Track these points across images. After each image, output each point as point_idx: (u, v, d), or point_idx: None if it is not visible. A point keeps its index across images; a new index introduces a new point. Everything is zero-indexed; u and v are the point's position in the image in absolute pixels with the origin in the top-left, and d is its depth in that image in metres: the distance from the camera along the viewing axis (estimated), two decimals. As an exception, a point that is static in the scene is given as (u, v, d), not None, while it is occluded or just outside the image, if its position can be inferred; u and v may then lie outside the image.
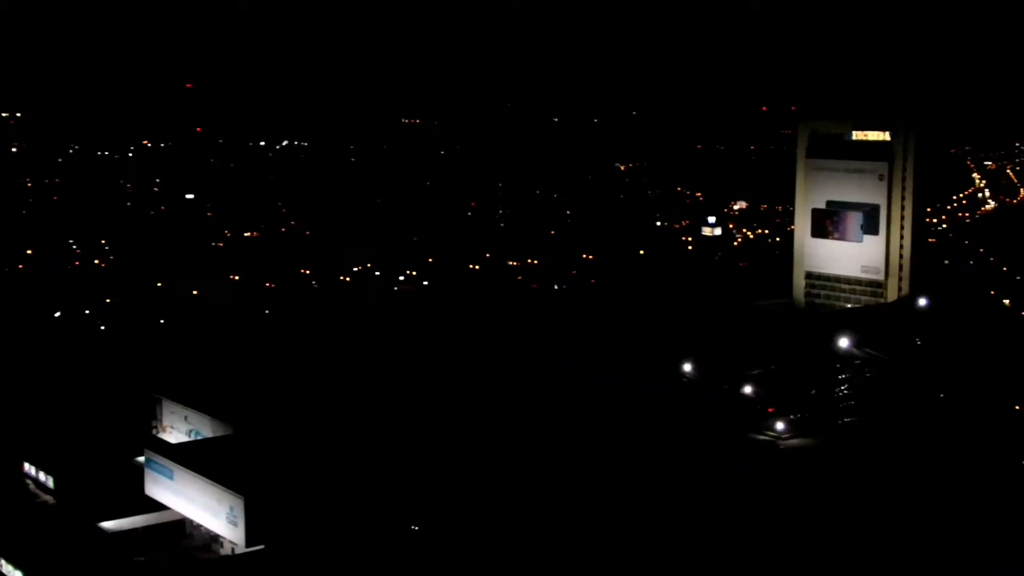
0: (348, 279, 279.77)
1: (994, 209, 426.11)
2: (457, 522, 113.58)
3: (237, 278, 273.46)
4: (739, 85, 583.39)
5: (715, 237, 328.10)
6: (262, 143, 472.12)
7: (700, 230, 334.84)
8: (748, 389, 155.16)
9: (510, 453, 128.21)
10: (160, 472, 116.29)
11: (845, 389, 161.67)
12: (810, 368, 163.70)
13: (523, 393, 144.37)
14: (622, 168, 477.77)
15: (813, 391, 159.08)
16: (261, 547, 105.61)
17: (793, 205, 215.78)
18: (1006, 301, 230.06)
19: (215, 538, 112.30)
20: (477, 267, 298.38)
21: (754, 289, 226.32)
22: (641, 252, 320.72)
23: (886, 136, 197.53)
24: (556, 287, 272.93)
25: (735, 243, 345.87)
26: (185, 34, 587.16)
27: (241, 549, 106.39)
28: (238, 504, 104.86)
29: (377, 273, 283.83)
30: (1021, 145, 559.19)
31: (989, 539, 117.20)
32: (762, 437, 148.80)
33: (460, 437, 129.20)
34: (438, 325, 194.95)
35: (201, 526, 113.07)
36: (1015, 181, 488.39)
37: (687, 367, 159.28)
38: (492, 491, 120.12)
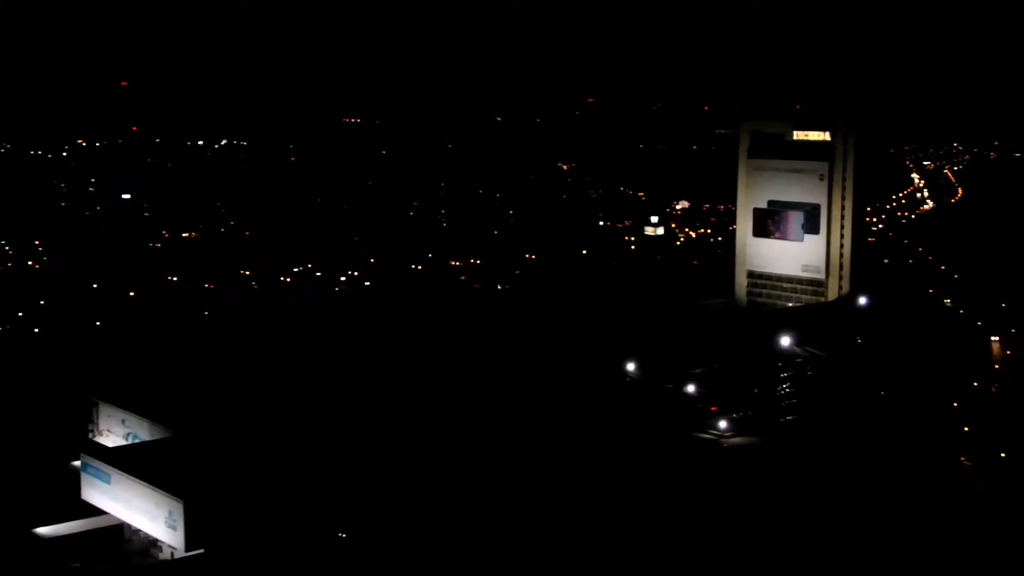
0: (288, 279, 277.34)
1: (932, 209, 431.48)
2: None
3: (176, 279, 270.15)
4: (682, 86, 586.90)
5: (657, 237, 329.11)
6: (200, 142, 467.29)
7: (643, 230, 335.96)
8: (691, 388, 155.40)
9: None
10: (97, 476, 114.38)
11: (787, 387, 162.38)
12: (752, 366, 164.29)
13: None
14: (564, 168, 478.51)
15: (755, 390, 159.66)
16: (201, 551, 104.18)
17: (735, 205, 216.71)
18: (947, 301, 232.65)
19: (154, 543, 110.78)
20: (420, 267, 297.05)
21: (697, 288, 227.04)
22: (584, 252, 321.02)
23: (826, 136, 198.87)
24: (499, 287, 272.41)
25: (677, 243, 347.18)
26: (118, 31, 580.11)
27: (181, 553, 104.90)
28: (177, 508, 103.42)
29: (319, 274, 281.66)
30: (959, 146, 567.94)
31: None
32: (705, 436, 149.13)
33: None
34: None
35: (140, 531, 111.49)
36: (953, 181, 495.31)
37: (630, 367, 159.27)
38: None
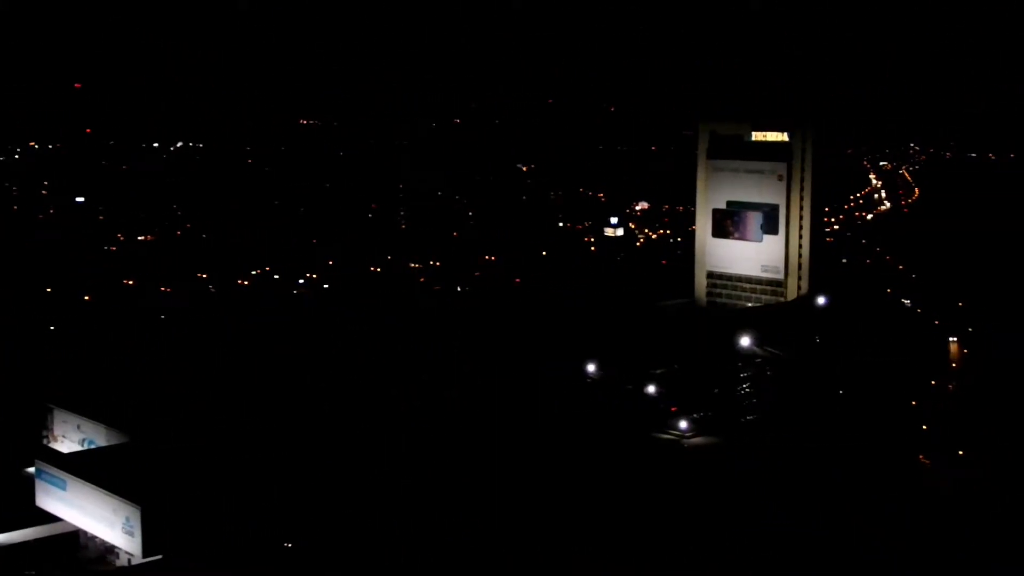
0: (246, 282, 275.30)
1: (890, 209, 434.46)
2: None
3: (131, 282, 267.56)
4: (640, 86, 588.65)
5: (617, 237, 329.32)
6: (155, 144, 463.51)
7: (602, 231, 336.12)
8: (651, 388, 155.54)
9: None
10: (52, 483, 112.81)
11: (747, 387, 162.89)
12: (712, 366, 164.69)
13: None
14: (524, 169, 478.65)
15: (715, 389, 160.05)
16: (159, 557, 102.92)
17: (694, 205, 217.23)
18: (905, 300, 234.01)
19: (111, 549, 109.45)
20: (378, 269, 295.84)
21: (656, 289, 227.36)
22: (544, 253, 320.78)
23: (784, 137, 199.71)
24: (459, 288, 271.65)
25: (637, 243, 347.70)
26: (70, 33, 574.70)
27: (138, 560, 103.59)
28: (134, 514, 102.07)
29: (276, 277, 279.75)
30: (915, 146, 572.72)
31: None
32: (665, 436, 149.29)
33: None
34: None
35: (96, 537, 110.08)
36: (910, 181, 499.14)
37: (591, 367, 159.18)
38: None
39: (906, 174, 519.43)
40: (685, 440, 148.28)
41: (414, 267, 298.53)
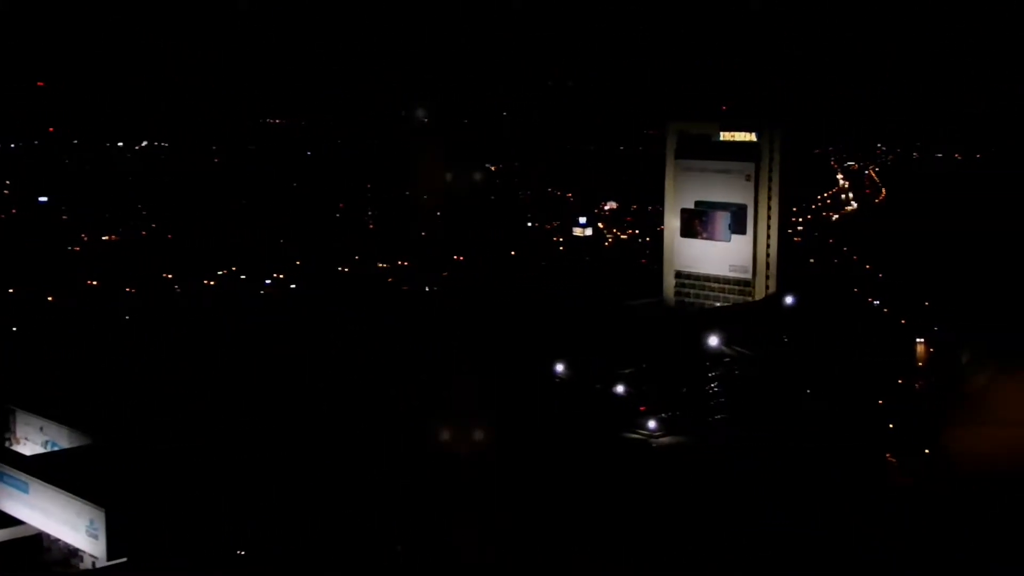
0: (212, 283, 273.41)
1: (857, 209, 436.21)
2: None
3: (95, 283, 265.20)
4: (609, 86, 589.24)
5: (586, 237, 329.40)
6: (120, 143, 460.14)
7: (571, 230, 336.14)
8: (620, 388, 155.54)
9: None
10: (13, 485, 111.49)
11: (715, 386, 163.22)
12: (681, 366, 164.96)
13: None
14: (492, 168, 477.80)
15: (684, 389, 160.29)
16: (123, 560, 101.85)
17: (663, 205, 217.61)
18: (872, 300, 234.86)
19: (74, 552, 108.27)
20: (346, 269, 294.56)
21: (625, 288, 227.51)
22: (512, 253, 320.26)
23: (752, 137, 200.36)
24: (428, 288, 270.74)
25: (606, 243, 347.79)
26: (32, 29, 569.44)
27: (102, 563, 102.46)
28: (99, 516, 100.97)
29: (243, 277, 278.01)
30: (882, 146, 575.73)
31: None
32: (634, 436, 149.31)
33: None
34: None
35: (59, 540, 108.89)
36: (877, 181, 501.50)
37: (560, 367, 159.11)
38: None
39: (873, 174, 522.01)
40: (654, 440, 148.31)
41: (382, 267, 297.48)
